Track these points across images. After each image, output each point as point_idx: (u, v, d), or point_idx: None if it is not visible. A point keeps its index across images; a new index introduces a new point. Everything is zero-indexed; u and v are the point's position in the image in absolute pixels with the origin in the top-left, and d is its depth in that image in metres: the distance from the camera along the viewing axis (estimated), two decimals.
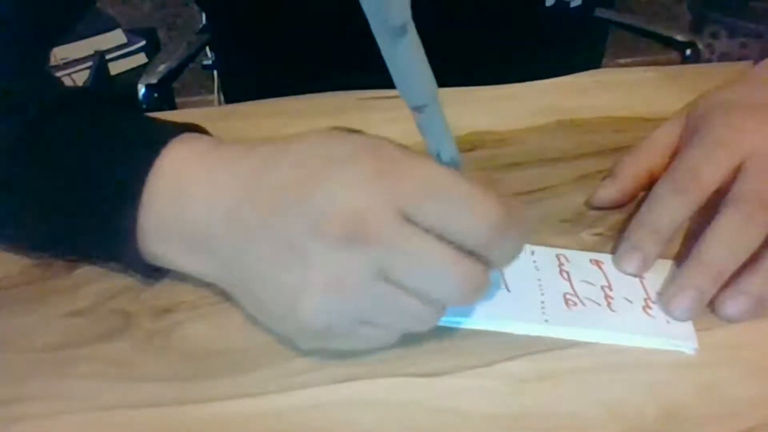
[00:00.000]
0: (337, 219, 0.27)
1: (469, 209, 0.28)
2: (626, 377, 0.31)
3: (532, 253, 0.37)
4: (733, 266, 0.33)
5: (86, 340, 0.32)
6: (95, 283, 0.35)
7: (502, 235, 0.28)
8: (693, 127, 0.39)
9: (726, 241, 0.33)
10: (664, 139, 0.41)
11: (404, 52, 0.25)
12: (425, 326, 0.30)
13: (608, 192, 0.40)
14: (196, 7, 0.73)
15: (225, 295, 0.34)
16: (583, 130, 0.49)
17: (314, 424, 0.29)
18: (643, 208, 0.36)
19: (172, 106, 1.10)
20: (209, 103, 1.76)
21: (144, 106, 0.84)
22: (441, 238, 0.27)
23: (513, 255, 0.29)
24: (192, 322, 0.33)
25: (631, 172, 0.41)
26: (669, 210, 0.36)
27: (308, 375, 0.31)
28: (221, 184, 0.31)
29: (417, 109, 0.27)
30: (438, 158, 0.29)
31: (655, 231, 0.36)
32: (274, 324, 0.31)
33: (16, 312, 0.34)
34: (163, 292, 0.35)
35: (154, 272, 0.34)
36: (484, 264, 0.28)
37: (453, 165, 0.29)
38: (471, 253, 0.28)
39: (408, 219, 0.27)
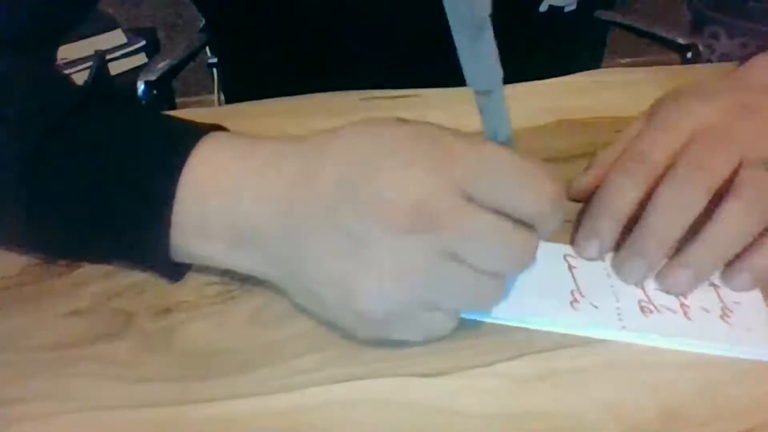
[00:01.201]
0: (399, 210, 0.28)
1: (526, 183, 0.29)
2: (626, 377, 0.31)
3: (604, 260, 0.37)
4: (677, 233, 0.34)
5: (86, 340, 0.32)
6: (95, 283, 0.35)
7: (558, 207, 0.29)
8: (651, 115, 0.40)
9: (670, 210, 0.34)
10: (632, 131, 0.41)
11: (484, 45, 0.26)
12: (488, 301, 0.31)
13: (586, 181, 0.40)
14: (196, 7, 0.72)
15: (225, 295, 0.34)
16: (583, 130, 0.49)
17: (314, 424, 0.29)
18: (597, 194, 0.37)
19: (172, 105, 1.10)
20: (209, 103, 1.75)
21: (143, 104, 0.84)
22: (498, 211, 0.28)
23: (560, 225, 0.30)
24: (192, 322, 0.33)
25: (606, 161, 0.40)
26: (621, 191, 0.36)
27: (308, 375, 0.31)
28: (268, 185, 0.30)
29: (483, 93, 0.29)
30: (494, 138, 0.30)
31: (611, 215, 0.36)
32: (331, 314, 0.31)
33: (16, 312, 0.34)
34: (163, 292, 0.35)
35: (176, 270, 0.34)
36: (533, 231, 0.29)
37: (508, 144, 0.31)
38: (521, 222, 0.29)
39: (467, 198, 0.28)
